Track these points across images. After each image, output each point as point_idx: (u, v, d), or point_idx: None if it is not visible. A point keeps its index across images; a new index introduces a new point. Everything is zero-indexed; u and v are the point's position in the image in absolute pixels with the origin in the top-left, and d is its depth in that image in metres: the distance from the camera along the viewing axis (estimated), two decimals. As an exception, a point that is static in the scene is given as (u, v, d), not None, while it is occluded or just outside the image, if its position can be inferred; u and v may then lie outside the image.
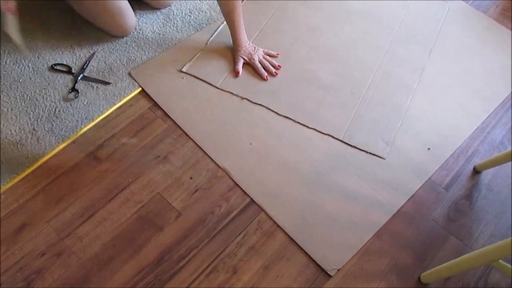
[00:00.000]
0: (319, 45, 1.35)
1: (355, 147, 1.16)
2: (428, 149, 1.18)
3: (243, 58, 1.26)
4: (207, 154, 1.12)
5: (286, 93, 1.23)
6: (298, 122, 1.19)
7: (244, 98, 1.22)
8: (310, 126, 1.18)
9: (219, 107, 1.20)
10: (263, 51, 1.29)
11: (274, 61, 1.29)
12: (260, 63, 1.26)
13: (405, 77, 1.30)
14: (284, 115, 1.19)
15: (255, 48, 1.27)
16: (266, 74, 1.26)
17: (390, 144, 1.17)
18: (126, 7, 1.25)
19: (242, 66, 1.27)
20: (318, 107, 1.22)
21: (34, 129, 1.12)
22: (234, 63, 1.27)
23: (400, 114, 1.23)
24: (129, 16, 1.26)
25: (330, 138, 1.17)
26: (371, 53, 1.34)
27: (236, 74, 1.26)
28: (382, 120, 1.21)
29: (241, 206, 1.05)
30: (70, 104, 1.17)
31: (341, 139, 1.16)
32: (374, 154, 1.15)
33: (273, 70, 1.26)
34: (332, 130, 1.18)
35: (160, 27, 1.34)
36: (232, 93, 1.22)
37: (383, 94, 1.26)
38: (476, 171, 1.16)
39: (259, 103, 1.21)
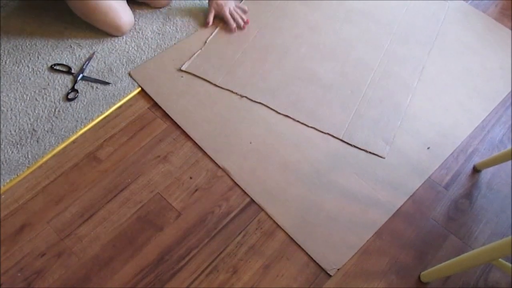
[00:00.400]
0: (319, 44, 1.35)
1: (355, 146, 1.16)
2: (428, 148, 1.18)
3: (214, 9, 1.30)
4: (206, 154, 1.12)
5: (286, 91, 1.23)
6: (298, 121, 1.18)
7: (243, 96, 1.22)
8: (310, 125, 1.18)
9: (218, 105, 1.20)
10: (235, 4, 1.32)
11: (244, 16, 1.33)
12: (230, 15, 1.30)
13: (405, 76, 1.30)
14: (284, 113, 1.19)
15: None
16: (234, 25, 1.30)
17: (390, 143, 1.17)
18: (119, 5, 1.24)
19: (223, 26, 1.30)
20: (317, 106, 1.22)
21: (34, 129, 1.12)
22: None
23: (400, 113, 1.22)
24: (123, 14, 1.25)
25: (330, 137, 1.17)
26: (371, 52, 1.34)
27: (205, 24, 1.32)
28: (382, 119, 1.21)
29: (241, 205, 1.05)
30: (70, 104, 1.17)
31: (341, 138, 1.16)
32: (373, 153, 1.15)
33: (241, 23, 1.30)
34: (331, 129, 1.18)
35: (159, 26, 1.34)
36: (232, 91, 1.22)
37: (383, 93, 1.26)
38: (476, 170, 1.16)
39: (258, 101, 1.21)
